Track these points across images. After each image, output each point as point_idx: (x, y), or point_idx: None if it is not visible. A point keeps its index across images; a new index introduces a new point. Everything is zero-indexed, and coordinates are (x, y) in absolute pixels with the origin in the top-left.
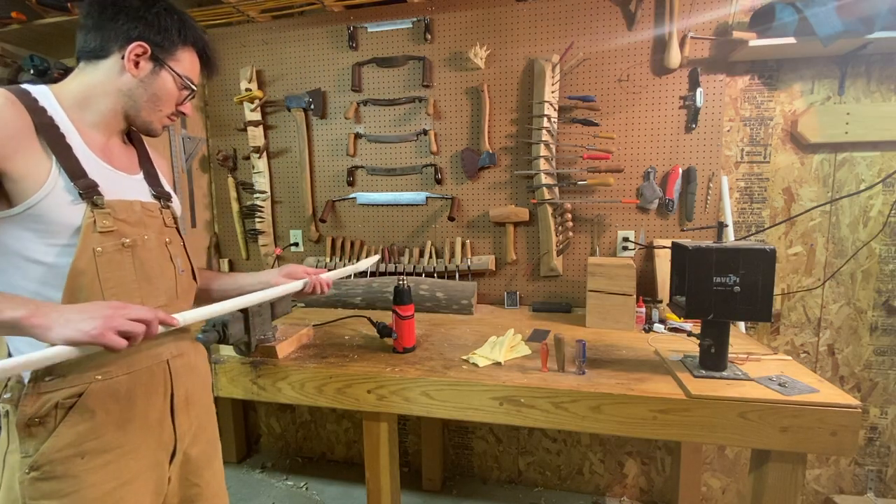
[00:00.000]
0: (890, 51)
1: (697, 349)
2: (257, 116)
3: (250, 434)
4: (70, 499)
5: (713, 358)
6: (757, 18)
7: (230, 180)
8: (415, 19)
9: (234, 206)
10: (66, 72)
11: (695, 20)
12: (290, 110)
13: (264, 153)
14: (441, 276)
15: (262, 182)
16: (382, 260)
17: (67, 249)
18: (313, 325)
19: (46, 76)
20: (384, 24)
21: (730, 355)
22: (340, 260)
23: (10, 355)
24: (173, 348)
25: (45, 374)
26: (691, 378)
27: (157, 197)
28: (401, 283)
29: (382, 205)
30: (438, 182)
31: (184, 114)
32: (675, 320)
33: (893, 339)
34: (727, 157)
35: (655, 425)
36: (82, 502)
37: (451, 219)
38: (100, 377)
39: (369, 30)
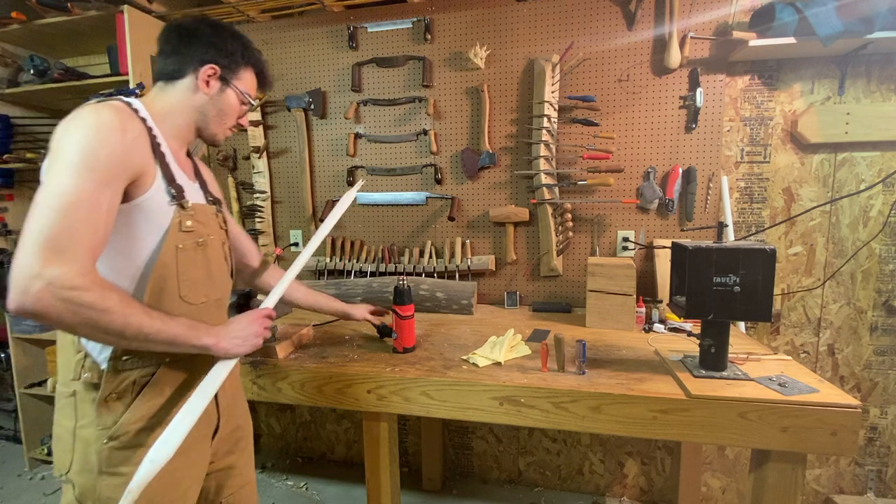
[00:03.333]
0: (890, 51)
1: (697, 349)
2: (257, 116)
3: None
4: None
5: (713, 358)
6: (757, 18)
7: (230, 180)
8: (415, 19)
9: (235, 206)
10: (66, 72)
11: (695, 20)
12: (290, 110)
13: (264, 153)
14: (441, 276)
15: (262, 182)
16: (383, 260)
17: (149, 243)
18: (313, 325)
19: (46, 76)
20: (384, 24)
21: (730, 355)
22: (340, 260)
23: (85, 351)
24: None
25: (122, 356)
26: (691, 378)
27: (211, 202)
28: (401, 283)
29: (382, 205)
30: (438, 182)
31: (242, 126)
32: (675, 320)
33: (893, 339)
34: (727, 157)
35: (655, 425)
36: None
37: (451, 219)
38: (168, 359)
39: (369, 30)
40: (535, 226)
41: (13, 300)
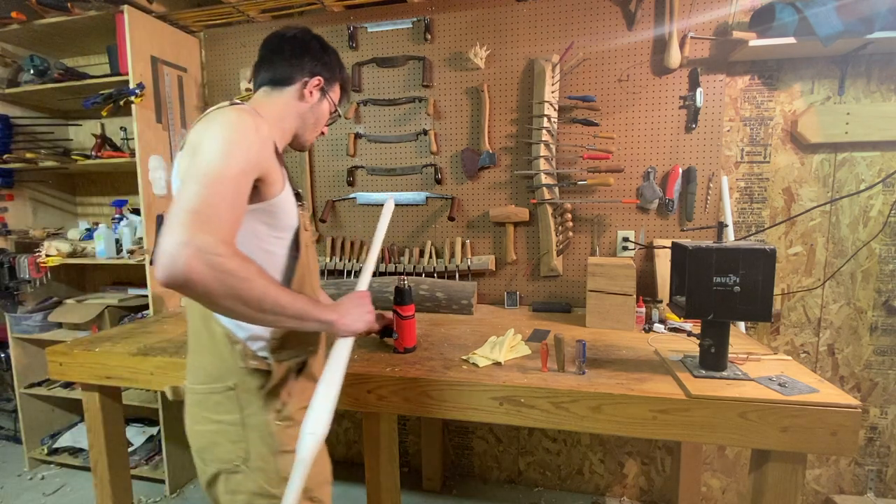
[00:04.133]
0: (890, 51)
1: (697, 349)
2: None
3: None
4: None
5: (713, 358)
6: (757, 18)
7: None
8: (415, 19)
9: None
10: (66, 72)
11: (695, 20)
12: None
13: None
14: (441, 276)
15: None
16: (383, 260)
17: (283, 242)
18: None
19: (46, 76)
20: (384, 24)
21: (730, 355)
22: (340, 260)
23: (242, 343)
24: None
25: (279, 349)
26: (691, 378)
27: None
28: (402, 283)
29: (382, 205)
30: (438, 182)
31: (324, 133)
32: (675, 320)
33: (893, 339)
34: (727, 157)
35: (655, 425)
36: None
37: (451, 219)
38: (312, 349)
39: (369, 30)
40: (535, 226)
41: (162, 270)
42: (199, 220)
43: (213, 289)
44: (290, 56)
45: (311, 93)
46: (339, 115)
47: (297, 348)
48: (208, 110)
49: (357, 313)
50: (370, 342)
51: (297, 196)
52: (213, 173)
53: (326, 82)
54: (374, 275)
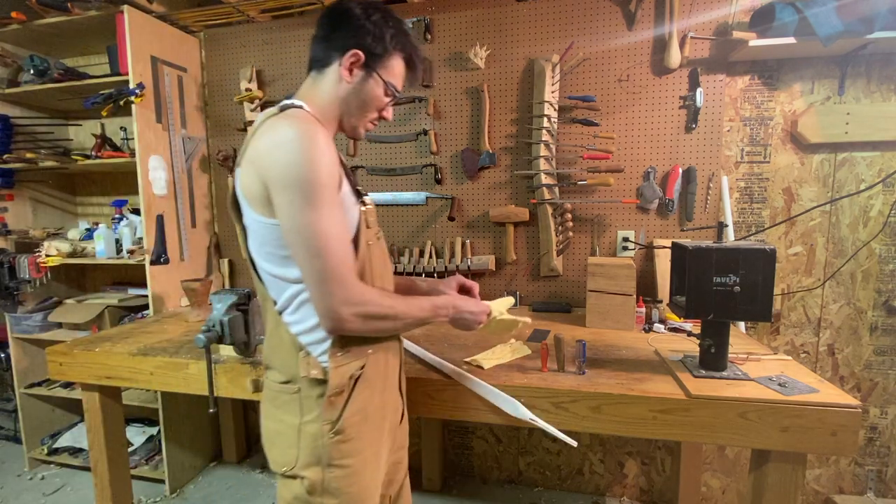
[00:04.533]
0: (890, 51)
1: (697, 349)
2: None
3: (250, 434)
4: (361, 456)
5: (713, 358)
6: (757, 18)
7: (230, 180)
8: (415, 19)
9: None
10: (66, 72)
11: (695, 20)
12: None
13: None
14: (441, 276)
15: None
16: None
17: None
18: None
19: (46, 76)
20: None
21: (730, 355)
22: None
23: (307, 349)
24: None
25: (338, 351)
26: (691, 378)
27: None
28: None
29: (382, 205)
30: (438, 182)
31: (385, 118)
32: (675, 320)
33: (893, 339)
34: (727, 157)
35: (655, 425)
36: (366, 456)
37: (451, 219)
38: (371, 350)
39: None
40: (535, 226)
41: (331, 327)
42: (338, 282)
43: (367, 331)
44: (327, 31)
45: (349, 71)
46: (398, 98)
47: (353, 352)
48: (264, 119)
49: (470, 320)
50: None
51: (358, 193)
52: (323, 233)
53: (370, 56)
54: None
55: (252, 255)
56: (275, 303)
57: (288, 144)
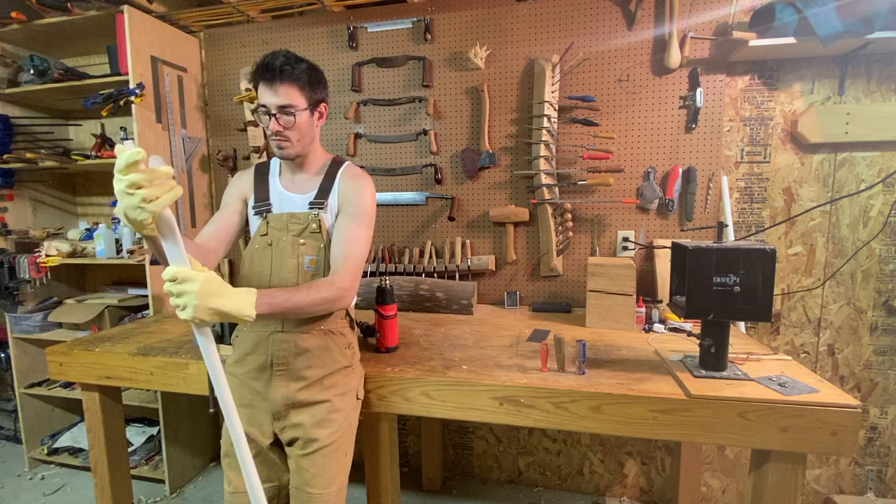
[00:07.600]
0: (890, 51)
1: (697, 349)
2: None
3: None
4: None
5: (713, 358)
6: (757, 18)
7: (230, 180)
8: (415, 19)
9: None
10: (66, 72)
11: (695, 20)
12: None
13: (264, 153)
14: (441, 276)
15: None
16: (383, 260)
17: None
18: None
19: (46, 76)
20: (384, 24)
21: (730, 355)
22: None
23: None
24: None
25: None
26: (691, 378)
27: (311, 207)
28: (383, 283)
29: (382, 205)
30: (438, 182)
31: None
32: (675, 320)
33: (893, 339)
34: (727, 157)
35: (655, 425)
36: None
37: (450, 219)
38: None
39: (369, 30)
40: (535, 226)
41: (342, 301)
42: (356, 276)
43: (338, 308)
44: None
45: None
46: (263, 111)
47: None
48: (356, 173)
49: None
50: (366, 343)
51: (310, 208)
52: (365, 243)
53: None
54: (374, 275)
55: None
56: None
57: (370, 186)
